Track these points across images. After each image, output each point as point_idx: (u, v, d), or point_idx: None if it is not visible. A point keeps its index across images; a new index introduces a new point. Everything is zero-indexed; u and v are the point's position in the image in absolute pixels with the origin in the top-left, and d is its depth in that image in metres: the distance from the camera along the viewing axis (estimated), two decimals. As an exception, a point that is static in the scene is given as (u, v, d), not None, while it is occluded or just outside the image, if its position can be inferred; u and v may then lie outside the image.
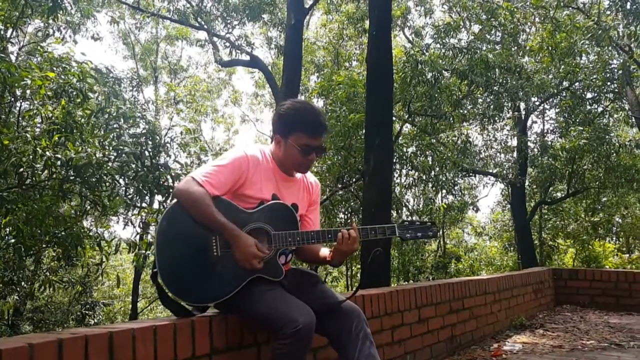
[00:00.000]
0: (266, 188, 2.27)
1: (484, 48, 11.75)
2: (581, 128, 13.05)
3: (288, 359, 2.01)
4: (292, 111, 2.32)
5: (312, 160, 2.36)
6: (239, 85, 52.32)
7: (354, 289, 2.65)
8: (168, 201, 6.00)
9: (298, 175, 2.45)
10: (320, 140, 2.34)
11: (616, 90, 14.04)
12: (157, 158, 6.49)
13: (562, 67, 13.26)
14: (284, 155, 2.33)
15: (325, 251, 2.44)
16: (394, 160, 9.45)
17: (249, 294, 2.16)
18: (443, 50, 11.25)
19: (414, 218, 2.45)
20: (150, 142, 6.37)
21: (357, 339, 2.21)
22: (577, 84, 14.08)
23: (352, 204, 11.48)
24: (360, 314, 2.30)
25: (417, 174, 11.47)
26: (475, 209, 18.71)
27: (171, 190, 5.76)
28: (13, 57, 8.70)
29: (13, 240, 5.55)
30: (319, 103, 13.14)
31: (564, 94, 14.63)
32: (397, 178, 11.58)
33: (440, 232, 18.96)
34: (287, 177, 2.38)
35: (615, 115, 15.37)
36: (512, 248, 19.30)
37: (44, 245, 5.99)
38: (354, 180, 11.18)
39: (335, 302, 2.29)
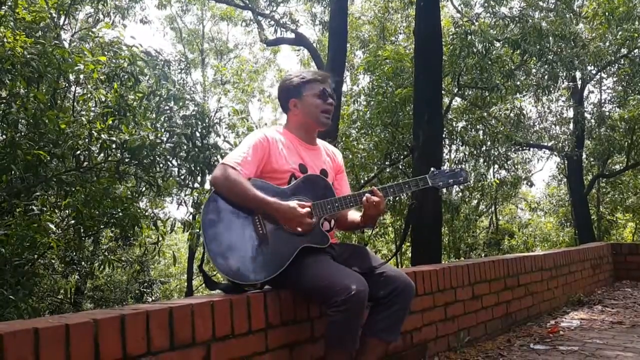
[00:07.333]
0: (291, 159, 2.36)
1: (537, 16, 11.28)
2: (641, 97, 12.44)
3: (342, 326, 2.02)
4: (294, 75, 2.51)
5: (332, 105, 2.46)
6: (284, 64, 52.31)
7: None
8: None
9: (318, 143, 2.56)
10: (329, 84, 2.49)
11: (681, 55, 13.24)
12: (207, 138, 6.60)
13: (620, 33, 12.58)
14: (305, 111, 2.43)
15: (355, 216, 2.51)
16: (444, 136, 9.26)
17: (300, 267, 2.18)
18: (494, 20, 10.88)
19: (443, 167, 2.47)
20: (200, 123, 6.47)
21: (393, 305, 2.21)
22: (636, 50, 13.35)
23: (400, 181, 11.38)
24: (412, 292, 2.28)
25: (467, 149, 11.24)
26: (529, 183, 18.19)
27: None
28: (66, 44, 8.96)
29: (73, 222, 5.77)
30: (365, 79, 12.98)
31: (622, 62, 13.93)
32: (447, 154, 11.38)
33: (493, 208, 18.57)
34: (309, 145, 2.49)
35: (680, 82, 14.50)
36: (568, 223, 18.73)
37: (102, 226, 6.19)
38: (402, 156, 11.05)
39: (384, 263, 2.31)
